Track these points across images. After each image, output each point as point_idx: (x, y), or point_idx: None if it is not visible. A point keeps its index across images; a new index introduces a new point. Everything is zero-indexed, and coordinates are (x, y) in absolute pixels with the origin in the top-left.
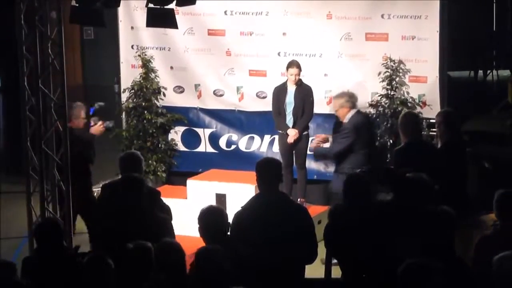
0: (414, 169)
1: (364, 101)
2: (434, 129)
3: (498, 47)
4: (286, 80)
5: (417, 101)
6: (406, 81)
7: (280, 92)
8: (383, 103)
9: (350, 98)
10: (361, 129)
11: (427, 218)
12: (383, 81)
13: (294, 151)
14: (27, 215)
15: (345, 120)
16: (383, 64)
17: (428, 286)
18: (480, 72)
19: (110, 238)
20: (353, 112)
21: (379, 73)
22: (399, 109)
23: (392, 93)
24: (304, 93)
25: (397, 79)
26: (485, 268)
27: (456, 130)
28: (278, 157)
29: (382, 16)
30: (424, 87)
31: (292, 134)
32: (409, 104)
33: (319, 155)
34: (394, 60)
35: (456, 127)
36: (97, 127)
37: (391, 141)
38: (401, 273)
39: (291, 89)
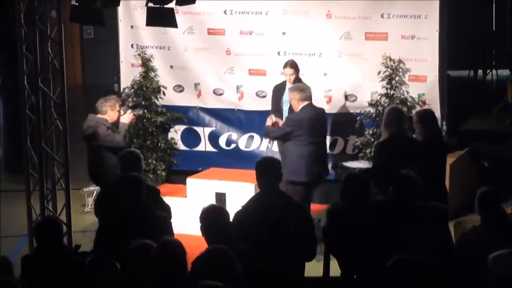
0: (397, 164)
1: (363, 100)
2: None
3: (498, 47)
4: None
5: (416, 100)
6: (405, 81)
7: (278, 90)
8: (382, 102)
9: (301, 92)
10: (305, 122)
11: (423, 214)
12: (382, 80)
13: None
14: (27, 214)
15: (297, 111)
16: (382, 63)
17: (417, 281)
18: (480, 71)
19: (109, 236)
20: (303, 104)
21: (379, 73)
22: None
23: (391, 93)
24: None
25: (397, 78)
26: (467, 265)
27: (431, 128)
28: (278, 156)
29: (382, 15)
30: (424, 86)
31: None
32: (409, 104)
33: (265, 133)
34: (393, 60)
35: (432, 125)
36: (127, 116)
37: None
38: (389, 268)
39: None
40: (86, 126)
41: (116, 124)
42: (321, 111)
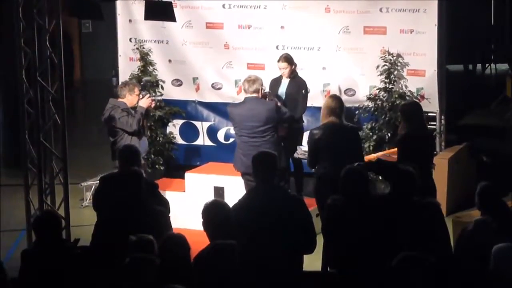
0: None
1: (362, 94)
2: (432, 123)
3: (496, 41)
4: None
5: (415, 94)
6: (404, 75)
7: (274, 83)
8: (381, 97)
9: (244, 83)
10: (234, 114)
11: (421, 210)
12: (381, 74)
13: (287, 144)
14: (25, 208)
15: None
16: (381, 57)
17: (420, 278)
18: (479, 65)
19: (107, 230)
20: (245, 96)
21: (378, 67)
22: (397, 102)
23: (390, 87)
24: (297, 86)
25: (396, 72)
26: (469, 259)
27: (415, 122)
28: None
29: (381, 9)
30: (423, 80)
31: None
32: (407, 98)
33: None
34: (392, 54)
35: (415, 119)
36: (145, 100)
37: (389, 134)
38: (395, 265)
39: (285, 81)
40: (105, 109)
41: (135, 108)
42: (265, 106)
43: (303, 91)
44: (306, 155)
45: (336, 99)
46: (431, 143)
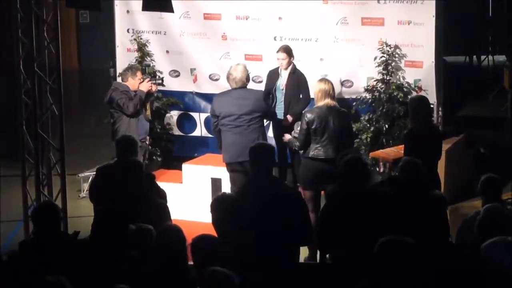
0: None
1: (360, 86)
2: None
3: (494, 32)
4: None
5: (412, 86)
6: (402, 66)
7: (272, 76)
8: (379, 88)
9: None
10: (219, 103)
11: (425, 202)
12: (379, 66)
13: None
14: (22, 199)
15: None
16: (379, 49)
17: (402, 262)
18: (476, 57)
19: (108, 221)
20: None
21: (375, 58)
22: (395, 94)
23: (388, 78)
24: (298, 80)
25: (393, 64)
26: (467, 251)
27: (420, 117)
28: (273, 142)
29: (378, 0)
30: (420, 72)
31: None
32: (405, 89)
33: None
34: (390, 45)
35: (420, 115)
36: (145, 84)
37: (386, 126)
38: (376, 250)
39: (284, 75)
40: (108, 91)
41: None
42: (253, 95)
43: (306, 84)
44: (292, 140)
45: (328, 81)
46: (437, 137)
